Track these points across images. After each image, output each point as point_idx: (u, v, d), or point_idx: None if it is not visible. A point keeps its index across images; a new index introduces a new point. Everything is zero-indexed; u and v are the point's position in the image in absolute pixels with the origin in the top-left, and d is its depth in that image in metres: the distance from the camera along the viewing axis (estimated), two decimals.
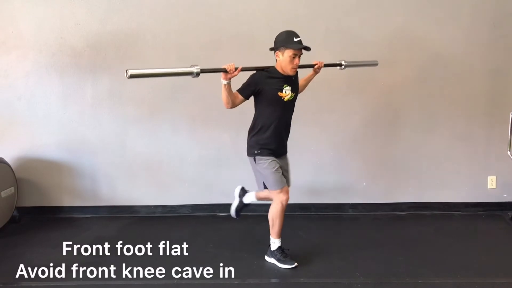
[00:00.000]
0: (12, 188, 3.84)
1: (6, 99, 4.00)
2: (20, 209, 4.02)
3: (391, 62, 3.93)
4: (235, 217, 3.49)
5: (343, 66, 3.36)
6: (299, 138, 3.89)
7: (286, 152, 3.11)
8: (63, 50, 3.94)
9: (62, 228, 3.83)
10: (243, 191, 3.48)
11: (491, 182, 4.04)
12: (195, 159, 4.05)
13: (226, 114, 3.95)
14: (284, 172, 3.06)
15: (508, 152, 3.81)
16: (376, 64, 3.61)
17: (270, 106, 2.90)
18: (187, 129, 4.02)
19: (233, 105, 2.85)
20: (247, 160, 3.91)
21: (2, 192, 3.68)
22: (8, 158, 3.88)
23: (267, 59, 3.94)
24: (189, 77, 3.93)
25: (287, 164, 3.13)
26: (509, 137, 3.77)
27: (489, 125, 3.98)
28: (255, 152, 2.94)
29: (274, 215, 2.93)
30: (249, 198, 3.44)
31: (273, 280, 2.86)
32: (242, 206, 3.48)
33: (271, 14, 3.91)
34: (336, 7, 3.88)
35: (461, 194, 4.06)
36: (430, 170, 4.04)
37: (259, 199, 3.38)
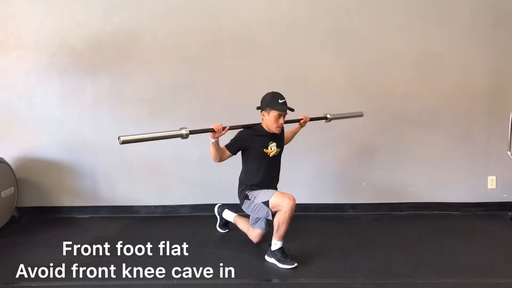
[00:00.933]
0: (12, 188, 3.84)
1: (6, 99, 4.00)
2: (20, 209, 4.02)
3: (391, 62, 3.93)
4: (223, 231, 3.65)
5: (328, 119, 3.49)
6: (299, 138, 3.90)
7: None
8: (63, 50, 3.94)
9: (62, 228, 3.83)
10: (222, 208, 3.64)
11: (491, 182, 4.04)
12: (195, 159, 4.05)
13: (226, 114, 3.96)
14: None
15: (508, 152, 3.81)
16: (362, 115, 3.69)
17: (256, 161, 3.08)
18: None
19: (221, 159, 3.03)
20: None
21: (2, 192, 3.68)
22: (8, 158, 3.88)
23: (267, 59, 3.96)
24: (189, 77, 3.99)
25: None
26: (509, 137, 3.77)
27: (489, 125, 3.98)
28: (246, 192, 3.10)
29: (281, 221, 2.96)
30: (228, 216, 3.57)
31: (273, 280, 2.86)
32: (224, 222, 3.65)
33: (271, 14, 3.91)
34: (336, 7, 3.89)
35: (461, 194, 4.06)
36: (430, 170, 4.04)
37: (235, 222, 3.50)
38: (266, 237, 3.14)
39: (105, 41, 3.92)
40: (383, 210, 4.06)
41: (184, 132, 2.72)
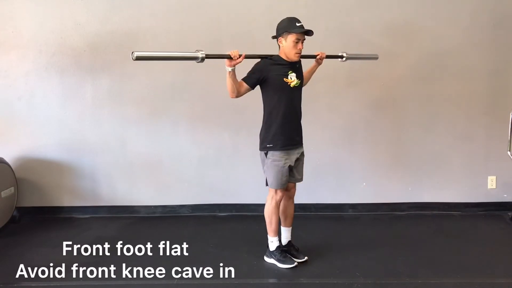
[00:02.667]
0: (12, 188, 3.84)
1: (6, 99, 4.00)
2: (20, 209, 4.02)
3: (391, 62, 3.93)
4: (301, 260, 3.08)
5: (344, 58, 3.37)
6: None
7: (301, 142, 3.07)
8: (63, 50, 3.94)
9: (62, 228, 3.83)
10: (268, 251, 3.13)
11: (491, 182, 4.04)
12: (195, 159, 4.05)
13: (226, 114, 3.96)
14: (296, 166, 3.04)
15: (508, 152, 3.81)
16: (377, 58, 3.62)
17: (276, 93, 2.88)
18: (187, 129, 4.02)
19: (238, 94, 2.84)
20: (247, 160, 3.93)
21: (2, 192, 3.68)
22: (8, 158, 3.88)
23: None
24: (189, 77, 3.99)
25: (302, 155, 3.10)
26: (509, 137, 3.77)
27: (489, 125, 3.98)
28: (268, 146, 2.91)
29: (269, 213, 2.97)
30: (274, 240, 3.09)
31: (273, 280, 2.86)
32: (281, 253, 3.07)
33: (271, 14, 3.89)
34: (336, 7, 3.89)
35: (461, 194, 4.06)
36: (430, 170, 4.04)
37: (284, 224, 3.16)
38: (265, 237, 3.12)
39: (105, 41, 3.92)
40: (383, 210, 4.06)
41: (200, 54, 2.61)
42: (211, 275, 2.88)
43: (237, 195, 4.05)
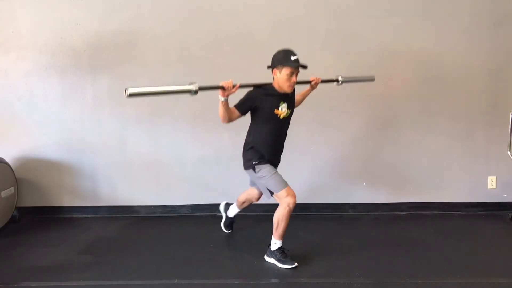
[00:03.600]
0: (12, 188, 3.84)
1: (6, 99, 4.01)
2: (20, 209, 4.02)
3: (391, 62, 3.93)
4: (226, 231, 3.62)
5: (340, 82, 3.41)
6: (299, 138, 3.90)
7: (278, 164, 3.17)
8: (63, 50, 3.95)
9: (62, 228, 3.83)
10: (227, 206, 3.61)
11: (491, 182, 4.04)
12: (195, 159, 4.05)
13: None
14: None
15: (508, 152, 3.81)
16: (373, 80, 3.65)
17: (266, 122, 2.97)
18: (187, 129, 4.02)
19: (230, 120, 2.90)
20: None
21: (2, 192, 3.68)
22: (8, 158, 3.88)
23: (267, 59, 3.95)
24: (189, 77, 3.96)
25: None
26: (509, 137, 3.77)
27: (489, 125, 3.98)
28: (254, 163, 3.00)
29: (280, 218, 2.94)
30: (233, 211, 3.56)
31: (273, 280, 2.86)
32: (230, 221, 3.61)
33: (271, 14, 3.91)
34: (336, 8, 3.89)
35: (461, 194, 4.06)
36: (430, 170, 4.04)
37: (240, 206, 3.48)
38: (265, 237, 3.13)
39: (105, 41, 3.93)
40: (383, 210, 4.06)
41: (193, 87, 2.61)
42: (211, 275, 2.88)
43: (237, 195, 4.04)
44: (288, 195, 2.90)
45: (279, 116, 2.95)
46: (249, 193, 3.36)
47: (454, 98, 3.96)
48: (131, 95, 2.42)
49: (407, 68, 3.95)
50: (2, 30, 3.93)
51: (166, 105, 4.00)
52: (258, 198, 3.35)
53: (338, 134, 4.02)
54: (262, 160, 2.98)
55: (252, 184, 3.28)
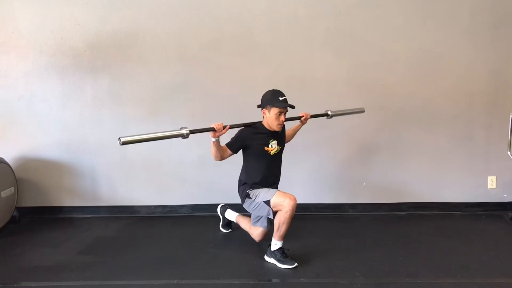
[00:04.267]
0: (12, 188, 3.84)
1: (6, 99, 4.01)
2: (20, 209, 4.02)
3: (391, 62, 3.93)
4: (225, 231, 3.65)
5: (329, 116, 3.49)
6: (299, 138, 3.90)
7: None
8: (63, 50, 3.95)
9: (62, 228, 3.83)
10: (224, 208, 3.66)
11: (491, 182, 4.04)
12: (195, 159, 4.05)
13: (226, 114, 3.95)
14: None
15: (508, 152, 3.81)
16: (363, 111, 3.69)
17: (257, 159, 3.08)
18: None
19: (222, 158, 3.02)
20: None
21: (2, 192, 3.68)
22: (8, 158, 3.88)
23: (267, 59, 3.96)
24: (189, 76, 3.99)
25: None
26: (509, 137, 3.77)
27: (489, 125, 3.98)
28: (248, 191, 3.09)
29: (281, 221, 2.95)
30: (230, 216, 3.59)
31: (273, 280, 2.86)
32: (227, 221, 3.65)
33: (271, 14, 3.91)
34: (336, 7, 3.89)
35: (461, 194, 4.06)
36: (430, 170, 4.04)
37: (237, 222, 3.50)
38: (268, 236, 3.13)
39: (105, 41, 3.93)
40: (383, 210, 4.06)
41: (184, 132, 2.71)
42: (211, 275, 2.88)
43: (237, 195, 4.03)
44: (286, 197, 2.92)
45: (270, 153, 3.08)
46: (252, 228, 3.29)
47: (454, 98, 3.96)
48: (124, 143, 2.52)
49: (407, 68, 3.94)
50: (2, 30, 3.93)
51: (166, 105, 4.00)
52: (260, 240, 3.25)
53: (338, 134, 4.02)
54: (256, 185, 3.09)
55: (255, 221, 3.22)
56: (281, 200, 2.92)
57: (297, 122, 3.37)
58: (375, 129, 4.02)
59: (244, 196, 3.12)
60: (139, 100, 4.00)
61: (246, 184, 3.13)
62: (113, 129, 4.01)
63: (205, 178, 4.07)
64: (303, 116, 3.30)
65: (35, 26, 3.92)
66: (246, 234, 3.53)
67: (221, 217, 3.67)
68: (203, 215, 4.04)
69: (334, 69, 3.92)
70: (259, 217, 3.17)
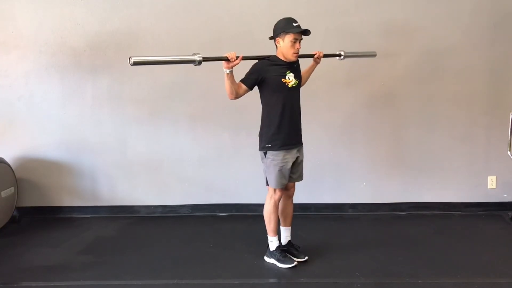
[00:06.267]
0: (12, 188, 3.84)
1: (6, 99, 4.00)
2: (20, 209, 4.02)
3: (391, 62, 3.93)
4: (301, 260, 3.08)
5: (342, 57, 3.38)
6: None
7: (300, 141, 3.07)
8: (63, 50, 3.95)
9: (62, 228, 3.83)
10: (268, 250, 3.13)
11: (491, 182, 4.04)
12: (195, 159, 4.05)
13: (226, 114, 3.96)
14: (296, 166, 3.05)
15: (508, 152, 3.81)
16: (375, 55, 3.63)
17: (275, 93, 2.89)
18: (187, 129, 4.02)
19: (237, 95, 2.84)
20: (247, 159, 3.93)
21: (2, 192, 3.68)
22: (8, 158, 3.88)
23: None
24: (189, 77, 3.99)
25: (301, 155, 3.10)
26: (509, 137, 3.77)
27: (489, 125, 3.98)
28: (266, 146, 2.93)
29: (268, 212, 2.97)
30: (274, 240, 3.09)
31: (273, 280, 2.86)
32: (281, 252, 3.06)
33: (271, 14, 3.89)
34: (336, 7, 3.88)
35: (461, 194, 4.06)
36: (430, 170, 4.04)
37: (283, 223, 3.16)
38: (265, 237, 3.12)
39: (105, 41, 3.93)
40: (383, 210, 4.06)
41: (197, 58, 2.60)
42: (211, 275, 2.88)
43: (237, 195, 4.05)
44: (275, 193, 2.95)
45: (287, 85, 2.89)
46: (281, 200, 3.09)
47: (454, 98, 3.96)
48: (135, 63, 2.44)
49: (407, 68, 3.94)
50: (2, 30, 3.93)
51: (166, 105, 4.00)
52: (291, 189, 3.10)
53: (338, 134, 4.02)
54: (276, 144, 2.90)
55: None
56: (272, 191, 2.96)
57: (311, 62, 3.22)
58: (375, 129, 4.01)
59: (263, 147, 2.95)
60: (139, 100, 4.00)
61: (266, 130, 2.92)
62: (113, 129, 4.01)
63: (205, 178, 4.07)
64: (316, 54, 3.15)
65: (35, 26, 3.92)
66: (245, 234, 3.54)
67: (271, 260, 3.06)
68: (203, 215, 4.04)
69: (334, 69, 3.92)
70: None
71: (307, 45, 3.90)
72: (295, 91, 2.96)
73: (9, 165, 3.83)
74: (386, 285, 2.75)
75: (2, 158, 3.79)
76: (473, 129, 3.99)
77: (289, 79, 2.89)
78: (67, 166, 4.08)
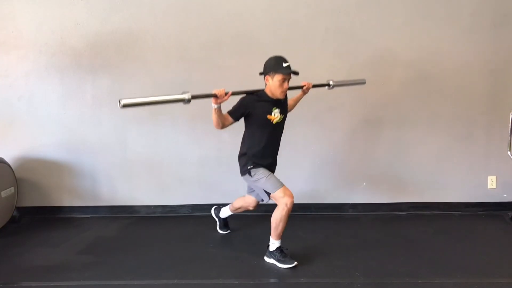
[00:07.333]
0: (12, 188, 3.84)
1: (6, 99, 4.01)
2: (20, 209, 4.02)
3: (391, 62, 3.93)
4: (224, 233, 3.62)
5: (331, 86, 3.43)
6: (299, 138, 3.91)
7: (275, 169, 3.19)
8: (63, 50, 3.95)
9: (62, 228, 3.83)
10: (217, 209, 3.64)
11: (491, 182, 4.04)
12: (195, 159, 4.05)
13: None
14: None
15: (508, 152, 3.81)
16: (364, 83, 3.66)
17: (259, 128, 3.01)
18: (187, 129, 4.02)
19: (223, 126, 2.96)
20: None
21: (2, 192, 3.69)
22: (8, 158, 3.88)
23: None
24: (189, 76, 3.99)
25: None
26: (509, 137, 3.77)
27: (489, 125, 3.98)
28: (249, 167, 3.03)
29: (278, 218, 2.94)
30: (225, 212, 3.57)
31: (273, 280, 2.86)
32: (224, 222, 3.63)
33: (271, 14, 3.91)
34: (336, 7, 3.88)
35: (461, 194, 4.06)
36: (430, 170, 4.04)
37: (234, 211, 3.49)
38: (265, 237, 3.13)
39: (105, 41, 3.93)
40: (383, 210, 4.06)
41: (186, 96, 2.64)
42: (211, 275, 2.88)
43: (237, 195, 4.04)
44: (285, 195, 2.91)
45: (272, 121, 3.00)
46: (245, 201, 3.36)
47: (454, 98, 3.96)
48: (125, 105, 2.44)
49: (407, 68, 3.94)
50: (2, 30, 3.93)
51: (166, 105, 3.98)
52: (254, 207, 3.34)
53: (338, 134, 4.02)
54: (257, 164, 3.02)
55: (250, 191, 3.28)
56: (280, 197, 2.91)
57: (299, 92, 3.29)
58: (375, 130, 4.02)
59: (245, 171, 3.05)
60: None
61: (247, 155, 3.04)
62: (113, 129, 4.01)
63: (205, 178, 4.07)
64: (304, 85, 3.22)
65: (35, 26, 3.93)
66: (245, 234, 3.54)
67: (216, 219, 3.65)
68: (203, 215, 4.04)
69: (334, 69, 3.92)
70: (254, 191, 3.18)
71: (307, 45, 3.92)
72: (279, 126, 3.07)
73: (9, 165, 3.83)
74: (386, 285, 2.74)
75: (2, 158, 3.79)
76: (473, 129, 3.99)
77: (274, 115, 2.99)
78: (67, 166, 4.08)
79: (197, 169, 4.06)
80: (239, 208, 3.44)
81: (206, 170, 4.05)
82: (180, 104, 3.93)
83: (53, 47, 3.94)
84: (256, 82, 3.86)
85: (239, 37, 3.91)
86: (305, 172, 4.06)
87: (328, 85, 3.41)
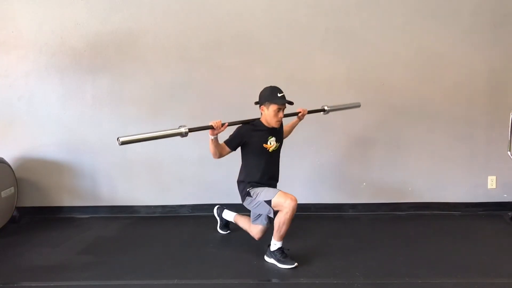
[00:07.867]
0: (12, 188, 3.84)
1: (6, 99, 4.01)
2: (20, 209, 4.02)
3: (391, 62, 3.93)
4: (224, 233, 3.63)
5: (326, 111, 3.48)
6: (299, 138, 3.90)
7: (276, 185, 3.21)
8: (63, 50, 3.95)
9: (62, 228, 3.83)
10: (220, 209, 3.65)
11: (491, 182, 4.04)
12: (195, 159, 4.05)
13: (226, 114, 3.93)
14: None
15: (508, 152, 3.81)
16: (359, 106, 3.68)
17: (256, 157, 3.06)
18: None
19: (220, 155, 3.02)
20: None
21: (2, 192, 3.68)
22: (8, 158, 3.88)
23: (267, 59, 3.96)
24: (189, 76, 4.00)
25: None
26: (509, 137, 3.77)
27: (489, 125, 3.98)
28: (248, 190, 3.07)
29: (281, 221, 2.94)
30: (228, 216, 3.57)
31: (273, 280, 2.86)
32: (225, 222, 3.64)
33: (271, 14, 3.91)
34: (336, 7, 3.88)
35: (461, 194, 4.06)
36: (430, 170, 4.04)
37: (236, 220, 3.48)
38: (265, 237, 3.13)
39: (105, 41, 3.93)
40: (383, 210, 4.06)
41: (183, 130, 2.72)
42: (211, 275, 2.88)
43: (237, 195, 4.04)
44: (287, 198, 2.91)
45: (268, 150, 3.06)
46: (251, 230, 3.26)
47: (454, 97, 3.96)
48: (123, 143, 2.53)
49: (407, 68, 3.94)
50: (2, 30, 3.93)
51: (166, 105, 4.00)
52: (260, 238, 3.21)
53: (338, 134, 4.02)
54: (256, 184, 3.07)
55: (255, 219, 3.21)
56: (282, 201, 2.91)
57: (294, 118, 3.35)
58: (375, 130, 4.02)
59: (245, 194, 3.11)
60: (139, 100, 4.00)
61: (245, 182, 3.12)
62: (113, 129, 4.01)
63: (205, 178, 4.07)
64: (300, 112, 3.29)
65: (35, 26, 3.93)
66: (245, 234, 3.53)
67: (218, 218, 3.65)
68: (203, 215, 4.04)
69: (334, 69, 3.92)
70: (259, 215, 3.15)
71: (307, 45, 3.92)
72: (275, 154, 3.12)
73: (9, 165, 3.83)
74: (386, 285, 2.74)
75: (2, 158, 3.79)
76: (473, 129, 3.99)
77: (270, 143, 3.06)
78: (67, 166, 4.08)
79: (197, 169, 4.06)
80: (241, 226, 3.41)
81: (206, 170, 4.05)
82: (181, 103, 3.99)
83: (53, 47, 3.94)
84: (256, 82, 3.87)
85: (239, 37, 3.91)
86: (305, 172, 4.06)
87: (324, 110, 3.48)
